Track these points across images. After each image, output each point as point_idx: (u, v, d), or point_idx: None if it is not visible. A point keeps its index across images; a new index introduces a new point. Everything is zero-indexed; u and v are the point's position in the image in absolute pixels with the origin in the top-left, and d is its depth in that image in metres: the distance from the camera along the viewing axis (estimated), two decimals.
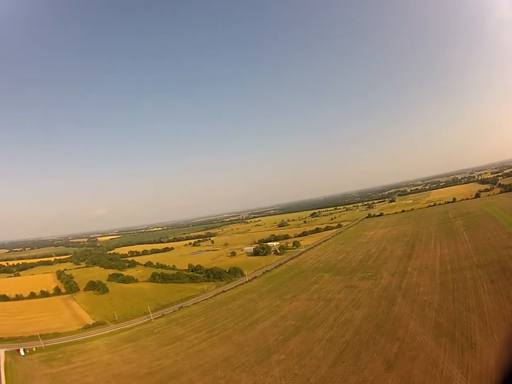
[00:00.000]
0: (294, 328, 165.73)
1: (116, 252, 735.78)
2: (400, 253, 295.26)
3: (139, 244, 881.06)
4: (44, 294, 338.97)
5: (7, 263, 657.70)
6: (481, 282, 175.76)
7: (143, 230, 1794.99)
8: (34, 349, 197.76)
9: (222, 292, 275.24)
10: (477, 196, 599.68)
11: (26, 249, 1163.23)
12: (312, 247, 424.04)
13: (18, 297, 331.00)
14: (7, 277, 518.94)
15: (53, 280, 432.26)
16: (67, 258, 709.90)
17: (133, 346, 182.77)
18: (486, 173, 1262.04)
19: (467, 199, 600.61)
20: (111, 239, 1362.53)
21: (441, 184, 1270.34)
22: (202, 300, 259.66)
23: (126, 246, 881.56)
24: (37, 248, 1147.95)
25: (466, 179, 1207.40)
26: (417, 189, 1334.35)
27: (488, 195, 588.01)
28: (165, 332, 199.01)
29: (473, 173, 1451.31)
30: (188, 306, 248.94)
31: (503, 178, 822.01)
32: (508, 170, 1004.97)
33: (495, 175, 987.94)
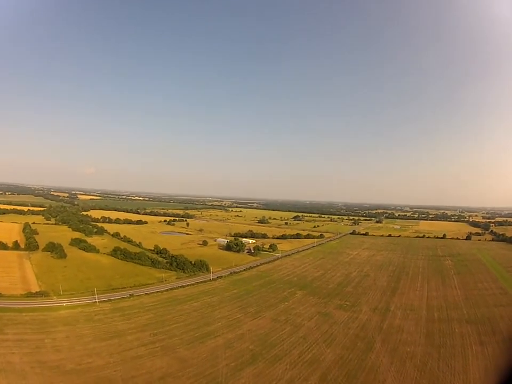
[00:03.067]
0: (250, 355, 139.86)
1: (90, 214, 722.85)
2: (384, 283, 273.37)
3: (115, 210, 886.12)
4: (2, 246, 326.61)
5: None
6: (470, 341, 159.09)
7: (124, 197, 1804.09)
8: None
9: (180, 287, 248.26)
10: (468, 238, 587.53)
11: (7, 193, 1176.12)
12: (289, 255, 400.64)
13: None
14: None
15: (17, 232, 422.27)
16: (40, 211, 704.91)
17: (67, 331, 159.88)
18: (477, 215, 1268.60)
19: (457, 238, 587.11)
20: (90, 199, 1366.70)
21: (430, 216, 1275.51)
22: (157, 292, 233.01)
23: (102, 209, 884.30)
24: (17, 194, 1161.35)
25: (456, 217, 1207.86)
26: (405, 215, 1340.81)
27: (479, 240, 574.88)
28: (106, 322, 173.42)
29: (464, 212, 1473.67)
30: (139, 295, 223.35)
31: (495, 225, 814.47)
32: (501, 219, 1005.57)
33: (487, 220, 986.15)
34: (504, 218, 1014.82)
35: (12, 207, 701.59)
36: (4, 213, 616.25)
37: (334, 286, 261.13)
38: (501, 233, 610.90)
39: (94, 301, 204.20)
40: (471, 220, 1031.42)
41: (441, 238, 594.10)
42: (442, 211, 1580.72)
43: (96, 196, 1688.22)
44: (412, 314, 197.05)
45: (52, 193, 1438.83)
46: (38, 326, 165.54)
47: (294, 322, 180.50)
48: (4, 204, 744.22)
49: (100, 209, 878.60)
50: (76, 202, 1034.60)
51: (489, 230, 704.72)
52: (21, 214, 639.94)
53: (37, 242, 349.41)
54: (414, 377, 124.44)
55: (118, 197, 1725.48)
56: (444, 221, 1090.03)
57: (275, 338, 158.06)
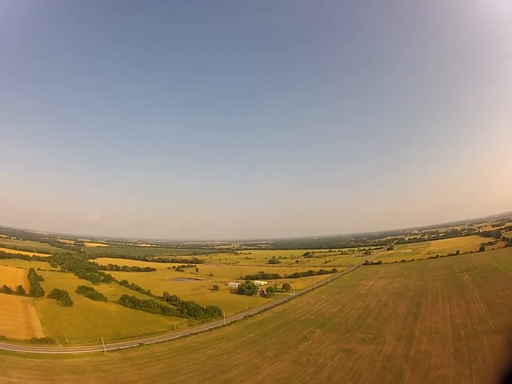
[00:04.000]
0: None
1: (97, 262, 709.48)
2: (405, 310, 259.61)
3: (123, 258, 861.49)
4: (6, 290, 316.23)
5: None
6: (500, 351, 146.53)
7: (131, 244, 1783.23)
8: None
9: (192, 334, 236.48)
10: (482, 249, 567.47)
11: (12, 238, 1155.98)
12: (304, 293, 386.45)
13: None
14: None
15: (22, 277, 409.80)
16: (46, 257, 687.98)
17: (74, 381, 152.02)
18: (486, 225, 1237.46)
19: (471, 252, 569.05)
20: (97, 246, 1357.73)
21: (440, 235, 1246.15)
22: (168, 340, 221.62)
23: (109, 257, 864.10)
24: (22, 240, 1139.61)
25: (466, 231, 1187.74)
26: (415, 238, 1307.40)
27: (493, 249, 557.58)
28: (115, 372, 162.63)
29: (473, 225, 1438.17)
30: (149, 344, 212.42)
31: (506, 231, 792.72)
32: (510, 224, 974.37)
33: (497, 228, 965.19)
34: None
35: (17, 252, 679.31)
36: (9, 257, 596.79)
37: (353, 320, 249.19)
38: None
39: (102, 350, 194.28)
40: (481, 231, 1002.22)
41: (455, 254, 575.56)
42: (452, 228, 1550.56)
43: (102, 243, 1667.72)
44: (438, 337, 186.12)
45: (58, 240, 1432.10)
46: (43, 372, 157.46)
47: (316, 363, 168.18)
48: (9, 249, 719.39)
49: (106, 257, 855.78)
50: (82, 250, 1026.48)
51: (501, 237, 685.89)
52: (26, 259, 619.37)
53: (42, 288, 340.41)
54: None
55: (125, 244, 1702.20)
56: (454, 237, 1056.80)
57: (297, 382, 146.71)
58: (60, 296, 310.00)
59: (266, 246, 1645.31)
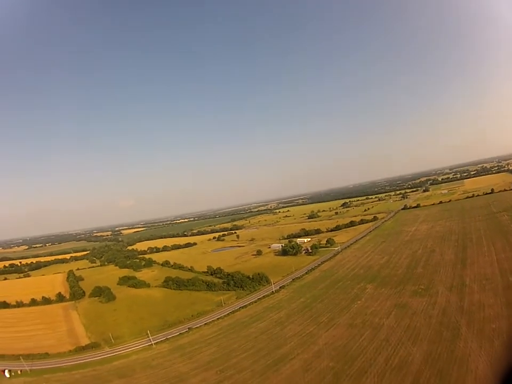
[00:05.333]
0: (332, 375, 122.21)
1: (136, 248, 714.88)
2: (452, 256, 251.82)
3: (161, 238, 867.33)
4: (46, 301, 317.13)
5: (20, 262, 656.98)
6: None
7: (169, 222, 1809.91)
8: (19, 372, 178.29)
9: (242, 307, 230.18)
10: None
11: (47, 244, 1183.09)
12: (348, 246, 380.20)
13: (19, 304, 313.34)
14: (17, 278, 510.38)
15: (61, 282, 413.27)
16: (84, 255, 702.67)
17: None
18: None
19: (505, 190, 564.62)
20: (135, 231, 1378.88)
21: (472, 173, 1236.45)
22: (217, 318, 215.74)
23: (148, 240, 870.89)
24: (58, 244, 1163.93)
25: (496, 168, 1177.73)
26: (448, 177, 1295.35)
27: None
28: (165, 366, 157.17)
29: (501, 162, 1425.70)
30: (198, 327, 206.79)
31: None
32: None
33: None
34: None
35: (53, 257, 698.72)
36: (46, 266, 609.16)
37: (403, 271, 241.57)
38: None
39: (150, 343, 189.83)
40: (511, 168, 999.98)
41: (490, 193, 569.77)
42: (481, 165, 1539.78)
43: (140, 227, 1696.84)
44: (488, 285, 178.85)
45: (94, 234, 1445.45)
46: (90, 383, 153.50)
47: (372, 324, 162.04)
48: (45, 256, 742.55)
49: (145, 241, 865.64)
50: (120, 239, 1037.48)
51: None
52: (63, 262, 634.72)
53: (82, 289, 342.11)
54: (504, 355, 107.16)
55: (163, 224, 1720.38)
56: (485, 174, 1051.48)
57: (355, 348, 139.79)
58: (101, 293, 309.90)
59: (303, 201, 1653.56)
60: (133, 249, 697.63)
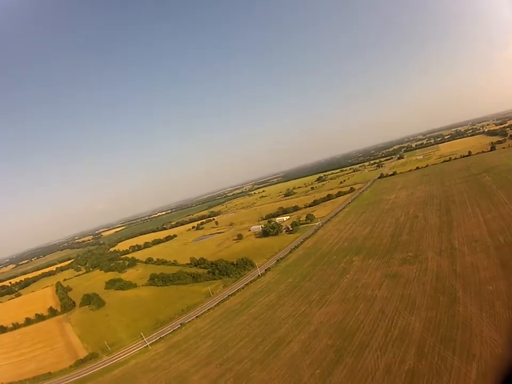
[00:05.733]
0: (333, 353, 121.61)
1: (118, 248, 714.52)
2: (437, 220, 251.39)
3: (142, 235, 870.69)
4: (39, 318, 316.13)
5: (10, 283, 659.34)
6: None
7: (147, 217, 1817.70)
8: None
9: (230, 295, 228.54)
10: (492, 148, 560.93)
11: (33, 259, 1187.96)
12: (329, 220, 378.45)
13: (15, 326, 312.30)
14: (9, 299, 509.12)
15: (51, 296, 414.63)
16: (69, 264, 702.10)
17: None
18: (489, 124, 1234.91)
19: (482, 152, 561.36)
20: (115, 232, 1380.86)
21: (446, 137, 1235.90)
22: (208, 310, 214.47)
23: (129, 238, 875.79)
24: (43, 256, 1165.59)
25: (471, 131, 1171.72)
26: (422, 143, 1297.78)
27: (504, 147, 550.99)
28: (164, 367, 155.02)
29: (475, 125, 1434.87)
30: (191, 321, 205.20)
31: (510, 130, 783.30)
32: (510, 122, 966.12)
33: (500, 126, 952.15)
34: None
35: (40, 271, 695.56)
36: (34, 281, 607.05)
37: (388, 240, 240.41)
38: None
39: (145, 345, 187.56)
40: (486, 130, 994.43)
41: (467, 156, 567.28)
42: (455, 129, 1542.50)
43: (119, 226, 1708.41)
44: (479, 246, 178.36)
45: (76, 241, 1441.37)
46: None
47: (365, 296, 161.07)
48: (32, 272, 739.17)
49: (126, 240, 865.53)
50: (101, 242, 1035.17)
51: (508, 136, 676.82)
52: (50, 275, 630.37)
53: (71, 300, 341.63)
54: (508, 318, 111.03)
55: (141, 220, 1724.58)
56: (460, 138, 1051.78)
57: (352, 323, 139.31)
58: (90, 300, 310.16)
59: (278, 180, 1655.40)
60: (115, 250, 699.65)
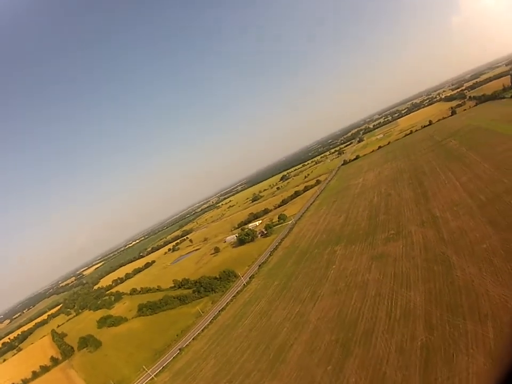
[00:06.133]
0: (339, 347, 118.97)
1: (101, 285, 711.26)
2: (411, 194, 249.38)
3: (121, 266, 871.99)
4: (44, 369, 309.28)
5: (9, 338, 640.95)
6: None
7: (122, 248, 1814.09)
8: None
9: (221, 310, 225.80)
10: (453, 113, 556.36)
11: (24, 311, 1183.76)
12: (301, 216, 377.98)
13: (25, 382, 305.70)
14: (12, 355, 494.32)
15: (49, 345, 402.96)
16: (58, 310, 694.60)
17: None
18: (445, 91, 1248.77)
19: (443, 118, 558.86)
20: (95, 269, 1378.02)
21: (403, 112, 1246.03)
22: (202, 329, 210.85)
23: (109, 273, 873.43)
24: (33, 307, 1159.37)
25: (427, 101, 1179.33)
26: (380, 122, 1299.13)
27: (465, 109, 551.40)
28: None
29: (431, 94, 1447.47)
30: (188, 345, 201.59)
31: (469, 91, 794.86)
32: (470, 83, 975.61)
33: (457, 90, 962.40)
34: (472, 81, 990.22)
35: (34, 322, 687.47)
36: (31, 333, 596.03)
37: (366, 223, 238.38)
38: (479, 95, 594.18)
39: (150, 377, 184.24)
40: (443, 97, 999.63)
41: (429, 125, 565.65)
42: (410, 102, 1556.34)
43: (98, 262, 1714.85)
44: (461, 210, 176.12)
45: (61, 285, 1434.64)
46: None
47: (357, 283, 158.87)
48: (26, 324, 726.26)
49: (107, 274, 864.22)
50: (84, 281, 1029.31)
51: (467, 98, 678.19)
52: (44, 324, 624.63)
53: (69, 345, 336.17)
54: (510, 270, 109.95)
55: (118, 252, 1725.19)
56: (418, 109, 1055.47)
57: (351, 313, 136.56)
58: (87, 342, 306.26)
59: (242, 187, 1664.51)
60: (99, 287, 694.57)
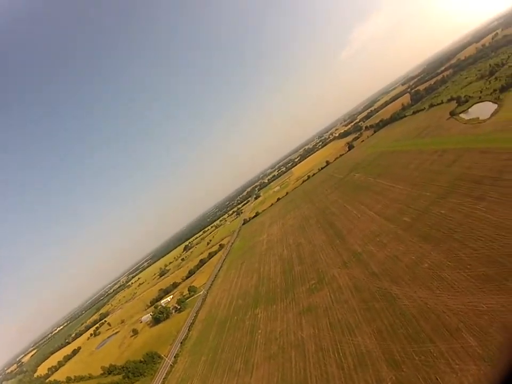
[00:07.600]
0: None
1: (40, 373, 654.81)
2: (324, 237, 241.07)
3: (52, 354, 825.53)
4: None
5: None
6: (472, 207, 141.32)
7: (49, 335, 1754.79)
8: None
9: None
10: (351, 147, 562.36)
11: None
12: (212, 284, 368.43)
13: None
14: None
15: None
16: None
17: None
18: (337, 129, 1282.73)
19: (341, 156, 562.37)
20: (31, 357, 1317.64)
21: (296, 160, 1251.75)
22: None
23: (44, 360, 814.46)
24: None
25: (320, 144, 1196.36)
26: (274, 175, 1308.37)
27: (363, 141, 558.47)
28: None
29: (323, 136, 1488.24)
30: None
31: (364, 122, 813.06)
32: (364, 113, 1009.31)
33: (351, 124, 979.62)
34: (363, 114, 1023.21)
35: None
36: None
37: (281, 278, 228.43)
38: (374, 123, 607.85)
39: None
40: (337, 135, 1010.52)
41: (326, 165, 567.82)
42: (303, 148, 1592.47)
43: (33, 349, 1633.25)
44: (385, 238, 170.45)
45: (6, 372, 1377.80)
46: None
47: (291, 343, 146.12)
48: None
49: (42, 363, 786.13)
50: (25, 369, 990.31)
51: (363, 129, 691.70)
52: None
53: None
54: (466, 276, 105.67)
55: (47, 339, 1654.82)
56: (312, 154, 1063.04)
57: (296, 375, 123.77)
58: None
59: (148, 263, 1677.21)
60: (38, 376, 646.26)
